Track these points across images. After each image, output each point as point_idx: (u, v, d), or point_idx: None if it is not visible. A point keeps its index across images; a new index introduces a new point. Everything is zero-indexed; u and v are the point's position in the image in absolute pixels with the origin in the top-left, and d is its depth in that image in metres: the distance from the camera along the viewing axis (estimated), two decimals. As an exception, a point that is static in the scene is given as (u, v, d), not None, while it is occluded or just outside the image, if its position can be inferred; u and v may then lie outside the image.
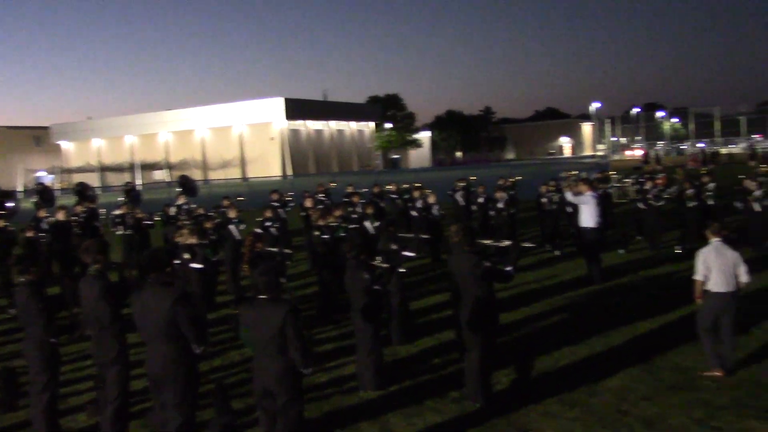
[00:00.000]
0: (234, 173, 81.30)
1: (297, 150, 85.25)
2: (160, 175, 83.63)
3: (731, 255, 8.03)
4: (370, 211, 15.44)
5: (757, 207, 15.24)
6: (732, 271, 7.96)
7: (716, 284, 7.96)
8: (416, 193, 18.27)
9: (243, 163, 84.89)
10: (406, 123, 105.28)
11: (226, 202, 16.94)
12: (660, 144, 74.10)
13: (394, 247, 10.07)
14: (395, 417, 7.34)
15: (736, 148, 67.52)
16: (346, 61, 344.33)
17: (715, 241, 8.14)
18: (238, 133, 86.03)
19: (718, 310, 8.03)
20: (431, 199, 17.45)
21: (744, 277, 7.97)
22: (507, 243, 7.81)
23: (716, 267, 7.95)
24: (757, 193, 15.34)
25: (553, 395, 7.59)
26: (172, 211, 18.17)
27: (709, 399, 7.26)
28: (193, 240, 11.43)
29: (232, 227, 14.15)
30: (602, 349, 9.18)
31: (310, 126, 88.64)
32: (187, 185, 20.14)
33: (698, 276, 8.09)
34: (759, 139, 73.04)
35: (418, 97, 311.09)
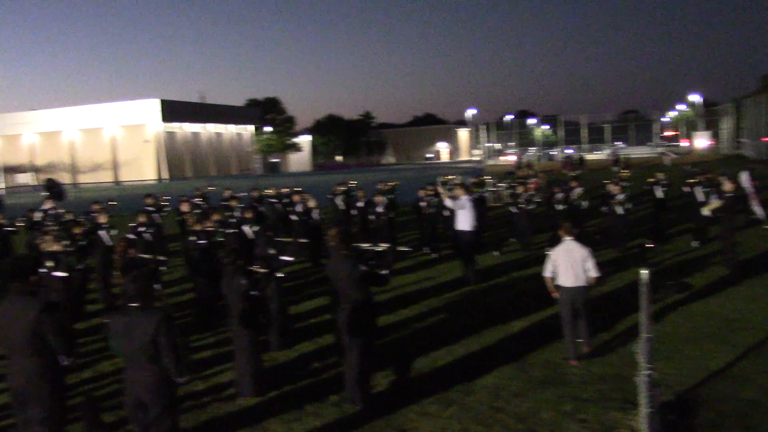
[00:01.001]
0: (106, 176, 78.27)
1: (173, 153, 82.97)
2: (24, 178, 79.33)
3: (580, 252, 8.66)
4: (248, 215, 15.23)
5: (619, 210, 16.14)
6: (581, 267, 8.61)
7: (566, 279, 8.63)
8: (296, 198, 18.18)
9: (115, 166, 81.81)
10: (286, 127, 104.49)
11: (96, 207, 16.26)
12: (532, 150, 77.10)
13: (272, 251, 9.97)
14: (274, 423, 7.26)
15: (601, 154, 71.21)
16: (225, 63, 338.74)
17: (567, 240, 8.70)
18: (110, 135, 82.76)
19: (572, 302, 8.66)
20: (311, 204, 17.40)
21: (593, 272, 8.67)
22: (384, 246, 7.90)
23: (564, 264, 8.61)
24: (620, 197, 16.24)
25: (431, 395, 7.73)
26: (38, 216, 17.27)
27: (576, 393, 7.60)
28: (56, 247, 10.89)
29: (102, 233, 13.59)
30: (478, 348, 9.45)
31: (186, 128, 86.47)
32: (53, 189, 19.23)
33: (546, 273, 8.78)
34: (621, 145, 77.41)
35: (299, 100, 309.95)
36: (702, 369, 8.14)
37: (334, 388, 8.03)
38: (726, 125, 69.52)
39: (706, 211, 15.30)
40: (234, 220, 15.40)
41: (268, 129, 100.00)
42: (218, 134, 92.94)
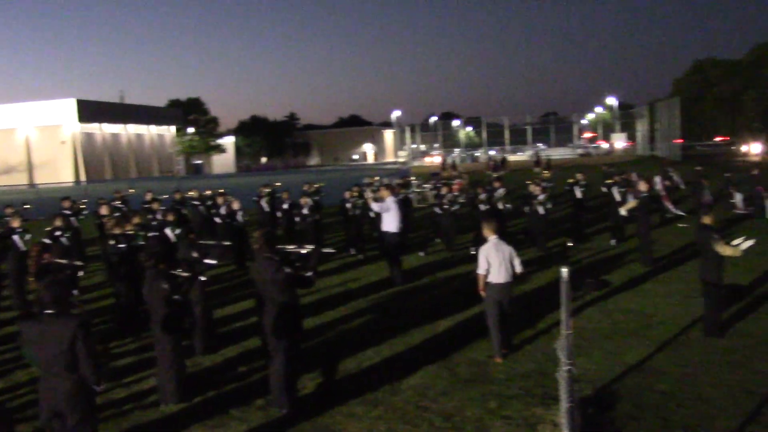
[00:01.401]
0: (20, 179, 75.22)
1: (91, 155, 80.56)
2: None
3: (507, 249, 8.89)
4: (170, 218, 14.91)
5: (541, 210, 16.51)
6: (509, 264, 8.82)
7: (497, 276, 8.76)
8: (220, 200, 17.93)
9: (30, 169, 78.81)
10: (209, 128, 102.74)
11: (9, 211, 15.63)
12: (456, 151, 78.12)
13: (195, 255, 9.79)
14: (199, 429, 7.13)
15: (523, 156, 72.76)
16: (145, 63, 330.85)
17: (492, 238, 8.85)
18: (24, 135, 79.74)
19: (500, 299, 8.82)
20: (235, 206, 17.18)
21: (518, 268, 8.92)
22: (308, 248, 7.86)
23: (497, 261, 8.74)
24: (541, 197, 16.61)
25: (357, 396, 7.74)
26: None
27: (501, 390, 7.73)
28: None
29: (16, 237, 13.10)
30: (404, 348, 9.50)
31: (105, 129, 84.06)
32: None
33: (481, 270, 8.81)
34: (542, 147, 79.26)
35: (222, 101, 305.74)
36: (620, 363, 8.40)
37: (260, 391, 7.95)
38: (641, 127, 72.03)
39: (622, 211, 15.82)
40: (155, 223, 15.06)
41: (190, 130, 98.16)
42: (139, 135, 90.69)
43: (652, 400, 7.24)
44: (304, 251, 7.80)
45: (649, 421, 6.70)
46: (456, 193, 18.42)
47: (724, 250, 9.06)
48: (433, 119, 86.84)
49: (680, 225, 19.49)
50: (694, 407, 7.00)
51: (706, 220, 9.50)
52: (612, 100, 78.59)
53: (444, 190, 18.22)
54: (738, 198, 21.48)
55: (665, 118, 60.74)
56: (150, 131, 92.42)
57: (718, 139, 78.63)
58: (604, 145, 75.46)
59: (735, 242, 9.39)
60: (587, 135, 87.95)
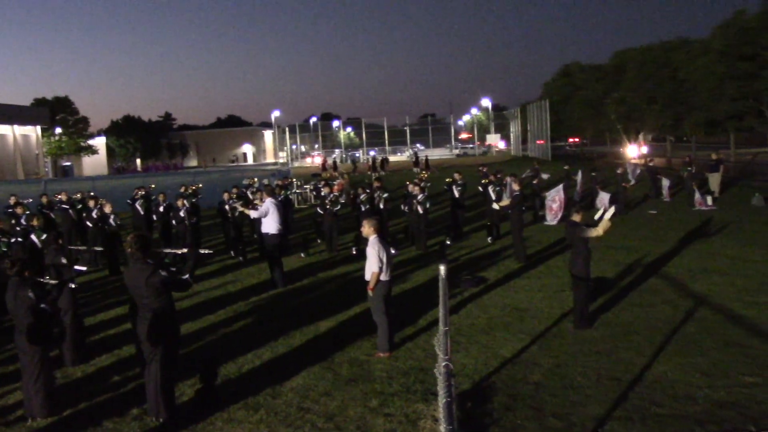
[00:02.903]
0: None
1: (-53, 156, 75.25)
2: None
3: (389, 248, 9.09)
4: (36, 222, 14.14)
5: (420, 210, 16.80)
6: (390, 262, 9.01)
7: (385, 274, 8.89)
8: (91, 203, 17.19)
9: None
10: (78, 128, 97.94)
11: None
12: (336, 151, 78.41)
13: (64, 261, 9.34)
14: (69, 444, 6.79)
15: (403, 156, 73.95)
16: (7, 59, 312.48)
17: (373, 237, 8.97)
18: None
19: (386, 296, 8.96)
20: (107, 209, 16.52)
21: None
22: (184, 250, 7.65)
23: (387, 259, 8.88)
24: (420, 197, 16.91)
25: (238, 401, 7.60)
26: None
27: (382, 388, 7.80)
28: None
29: None
30: (285, 350, 9.42)
31: (-37, 129, 78.76)
32: None
33: (376, 268, 8.82)
34: (421, 147, 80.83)
35: (92, 101, 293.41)
36: (496, 357, 8.67)
37: (135, 401, 7.66)
38: (514, 128, 74.77)
39: (495, 206, 16.41)
40: (20, 229, 14.26)
41: (58, 130, 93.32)
42: (1, 136, 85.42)
43: (526, 391, 7.51)
44: (180, 252, 7.58)
45: (523, 411, 6.95)
46: (337, 194, 18.46)
47: (597, 232, 9.52)
48: (313, 120, 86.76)
49: (548, 223, 20.39)
50: (565, 396, 7.32)
51: (576, 217, 9.96)
52: (486, 102, 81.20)
53: (325, 191, 18.21)
54: (603, 196, 22.65)
55: (536, 120, 63.29)
56: (14, 131, 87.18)
57: (571, 140, 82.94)
58: (501, 144, 77.32)
59: (596, 216, 9.92)
60: (464, 136, 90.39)
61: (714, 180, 25.91)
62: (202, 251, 8.99)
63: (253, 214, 14.08)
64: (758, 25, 33.93)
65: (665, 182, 25.71)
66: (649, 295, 11.34)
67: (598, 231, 9.54)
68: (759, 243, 15.47)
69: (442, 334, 5.90)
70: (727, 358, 8.25)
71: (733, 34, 34.97)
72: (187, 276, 7.23)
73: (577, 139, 79.83)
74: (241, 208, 15.15)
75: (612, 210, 9.99)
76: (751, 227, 17.92)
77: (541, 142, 61.06)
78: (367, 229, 9.05)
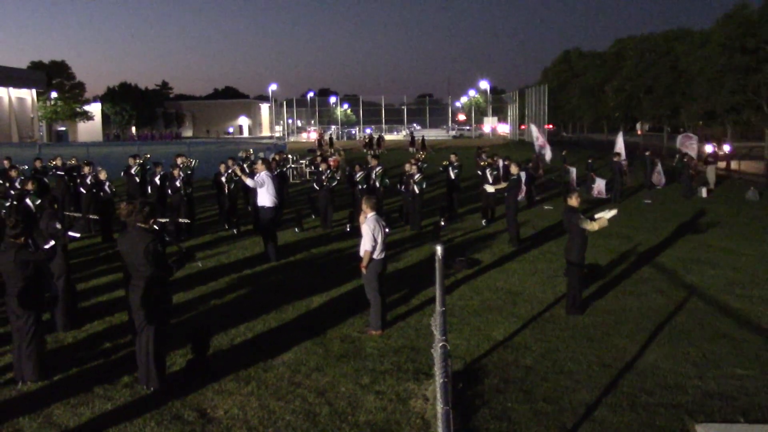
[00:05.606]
0: None
1: (-60, 117, 74.59)
2: None
3: (384, 227, 9.05)
4: (30, 187, 14.03)
5: (416, 189, 16.76)
6: (384, 241, 8.98)
7: (379, 252, 8.90)
8: (86, 169, 17.08)
9: None
10: (74, 93, 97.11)
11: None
12: (333, 128, 78.14)
13: (58, 226, 9.27)
14: (59, 408, 6.75)
15: (399, 135, 73.77)
16: (3, 22, 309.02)
17: (371, 215, 8.94)
18: None
19: (380, 274, 8.96)
20: (102, 176, 16.41)
21: None
22: (187, 221, 7.62)
23: (381, 237, 8.86)
24: (417, 177, 16.86)
25: (229, 373, 7.60)
26: None
27: (374, 366, 7.81)
28: None
29: None
30: (277, 324, 9.42)
31: (-43, 90, 78.01)
32: None
33: (368, 247, 8.82)
34: (417, 127, 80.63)
35: (89, 66, 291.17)
36: (488, 339, 8.70)
37: (126, 368, 7.65)
38: (511, 112, 74.59)
39: (490, 188, 16.40)
40: (14, 192, 14.15)
41: (54, 95, 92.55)
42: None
43: (518, 374, 7.53)
44: (183, 222, 7.54)
45: (514, 394, 6.98)
46: (333, 170, 18.39)
47: (592, 226, 9.55)
48: (311, 95, 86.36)
49: (546, 207, 20.40)
50: (556, 380, 7.35)
51: (572, 202, 9.97)
52: (485, 84, 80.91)
53: (323, 167, 18.12)
54: (599, 183, 22.66)
55: (534, 105, 63.16)
56: (9, 93, 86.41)
57: (547, 126, 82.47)
58: (506, 128, 76.66)
59: (598, 215, 9.94)
60: (461, 117, 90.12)
61: (710, 172, 26.07)
62: (181, 220, 8.92)
63: (249, 182, 14.02)
64: (760, 18, 33.87)
65: (658, 167, 25.89)
66: (641, 284, 11.38)
67: (593, 226, 9.58)
68: (752, 237, 15.55)
69: (438, 314, 5.90)
70: (717, 349, 8.30)
71: (735, 27, 34.91)
72: (183, 248, 7.19)
73: (550, 126, 79.19)
74: (239, 173, 15.06)
75: (614, 212, 10.03)
76: (744, 221, 18.00)
77: (549, 126, 60.83)
78: (366, 206, 9.02)
